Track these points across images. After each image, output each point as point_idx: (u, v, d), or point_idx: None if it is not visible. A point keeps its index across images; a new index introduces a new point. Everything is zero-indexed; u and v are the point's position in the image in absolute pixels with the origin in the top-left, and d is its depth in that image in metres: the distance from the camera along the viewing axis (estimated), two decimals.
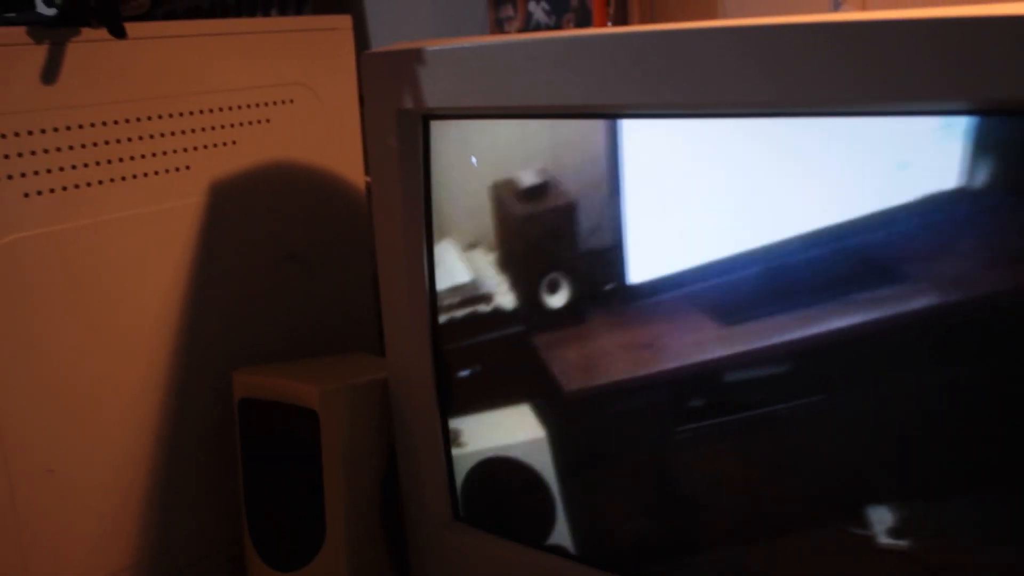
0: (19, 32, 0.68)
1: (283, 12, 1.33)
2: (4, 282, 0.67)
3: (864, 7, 0.97)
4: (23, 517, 0.69)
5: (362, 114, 0.92)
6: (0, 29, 0.67)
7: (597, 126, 0.61)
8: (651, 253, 0.60)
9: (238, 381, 0.77)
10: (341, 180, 0.88)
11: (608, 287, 0.62)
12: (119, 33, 0.68)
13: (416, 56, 0.68)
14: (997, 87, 0.46)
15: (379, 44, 1.23)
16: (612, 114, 0.60)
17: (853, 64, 0.49)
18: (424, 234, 0.71)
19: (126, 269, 0.74)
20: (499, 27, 1.12)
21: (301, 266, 0.86)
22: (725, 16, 1.01)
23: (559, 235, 0.64)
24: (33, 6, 0.69)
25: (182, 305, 0.78)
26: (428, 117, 0.69)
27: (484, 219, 0.68)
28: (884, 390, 0.52)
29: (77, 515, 0.73)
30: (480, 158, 0.68)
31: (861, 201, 0.52)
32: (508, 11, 1.12)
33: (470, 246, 0.69)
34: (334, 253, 0.88)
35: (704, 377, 0.59)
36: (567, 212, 0.63)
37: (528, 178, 0.65)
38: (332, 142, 0.87)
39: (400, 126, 0.70)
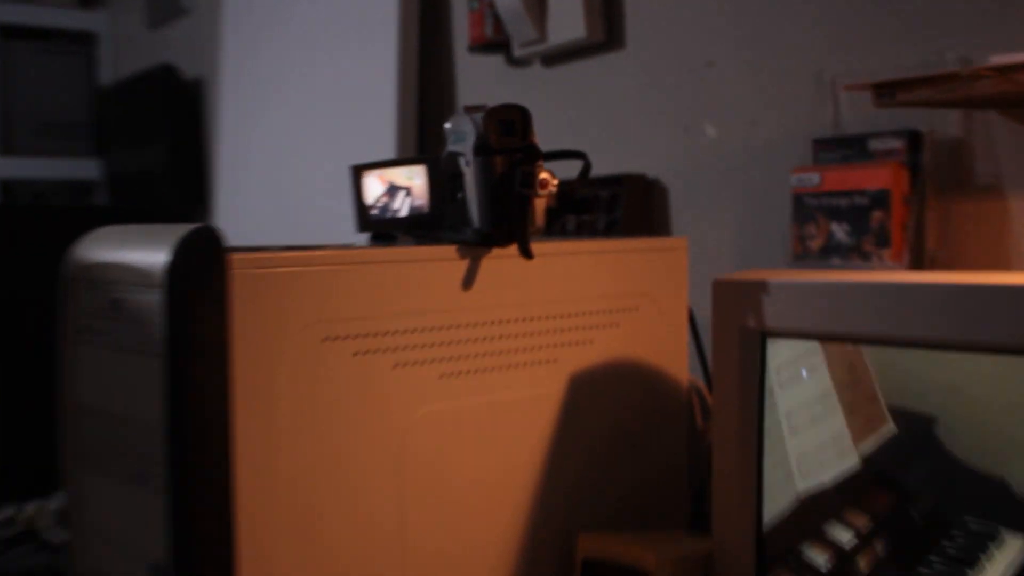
0: (450, 250, 0.88)
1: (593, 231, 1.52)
2: (421, 442, 0.86)
3: None
4: None
5: (691, 321, 1.08)
6: (438, 247, 0.87)
7: (904, 355, 0.74)
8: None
9: (582, 543, 0.92)
10: (669, 375, 1.04)
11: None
12: (529, 254, 0.87)
13: (760, 286, 0.83)
14: None
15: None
16: (920, 345, 0.73)
17: None
18: (755, 429, 0.85)
19: (501, 440, 0.91)
20: (802, 243, 1.27)
21: (630, 446, 1.01)
22: (1015, 239, 1.12)
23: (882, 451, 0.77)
24: (464, 231, 0.88)
25: (538, 473, 0.94)
26: (766, 334, 0.84)
27: (809, 423, 0.81)
28: None
29: None
30: (809, 372, 0.81)
31: None
32: (811, 230, 1.26)
33: (795, 443, 0.82)
34: (656, 436, 1.03)
35: None
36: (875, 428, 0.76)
37: (845, 395, 0.78)
38: (665, 343, 1.03)
39: (742, 340, 0.85)
